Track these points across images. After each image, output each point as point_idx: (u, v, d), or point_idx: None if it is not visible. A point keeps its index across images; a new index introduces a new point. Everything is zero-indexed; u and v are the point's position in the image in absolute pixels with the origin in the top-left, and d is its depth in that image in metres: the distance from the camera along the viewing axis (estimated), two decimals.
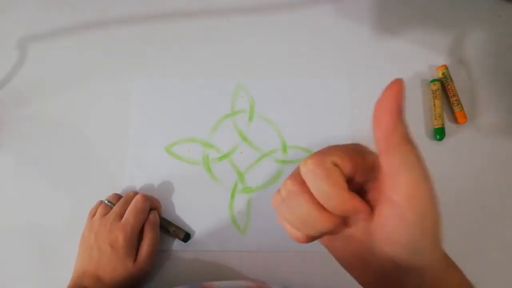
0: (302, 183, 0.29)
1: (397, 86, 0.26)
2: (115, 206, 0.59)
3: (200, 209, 0.63)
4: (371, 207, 0.29)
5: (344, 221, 0.30)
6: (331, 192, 0.27)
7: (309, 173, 0.28)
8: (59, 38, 0.71)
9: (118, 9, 0.72)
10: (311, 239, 0.31)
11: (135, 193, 0.61)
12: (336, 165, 0.28)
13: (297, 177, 0.29)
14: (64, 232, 0.62)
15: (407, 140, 0.26)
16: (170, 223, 0.61)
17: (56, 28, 0.71)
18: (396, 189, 0.27)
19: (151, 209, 0.60)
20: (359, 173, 0.29)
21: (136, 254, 0.57)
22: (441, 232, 0.30)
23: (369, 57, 0.70)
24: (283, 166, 0.65)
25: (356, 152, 0.30)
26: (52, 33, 0.71)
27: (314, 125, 0.66)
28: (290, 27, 0.71)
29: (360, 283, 0.33)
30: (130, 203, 0.59)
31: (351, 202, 0.28)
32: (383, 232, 0.28)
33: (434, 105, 0.66)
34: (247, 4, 0.72)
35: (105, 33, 0.71)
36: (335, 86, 0.68)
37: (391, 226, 0.27)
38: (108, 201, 0.60)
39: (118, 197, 0.61)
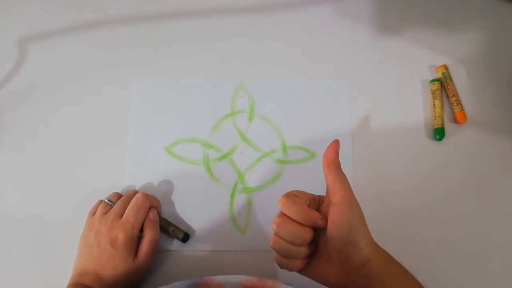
0: (283, 215, 0.46)
1: (336, 143, 0.49)
2: (115, 205, 0.59)
3: (200, 209, 0.63)
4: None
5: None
6: (299, 209, 0.46)
7: (283, 204, 0.46)
8: (59, 38, 0.71)
9: (118, 9, 0.72)
10: (303, 263, 0.49)
11: (135, 192, 0.61)
12: (296, 196, 0.48)
13: (278, 214, 0.47)
14: (65, 231, 0.62)
15: (340, 167, 0.48)
16: (169, 223, 0.61)
17: (56, 28, 0.71)
18: (334, 194, 0.46)
19: (150, 208, 0.60)
20: (311, 202, 0.49)
21: (136, 253, 0.57)
22: (363, 217, 0.47)
23: (369, 57, 0.70)
24: (283, 166, 0.65)
25: (306, 192, 0.50)
26: (52, 33, 0.71)
27: (314, 125, 0.66)
28: (290, 27, 0.71)
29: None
30: (130, 201, 0.59)
31: (313, 213, 0.46)
32: (332, 223, 0.46)
33: (434, 105, 0.66)
34: (247, 4, 0.72)
35: (105, 33, 0.71)
36: (335, 86, 0.68)
37: (335, 217, 0.45)
38: (109, 200, 0.60)
39: (118, 196, 0.61)
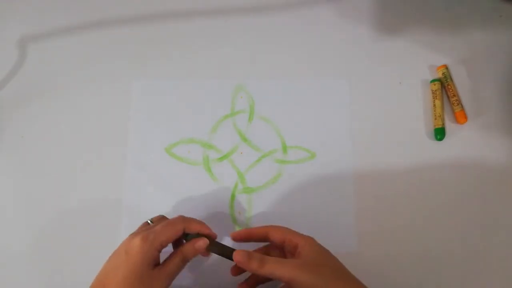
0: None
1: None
2: (153, 224, 0.54)
3: (200, 210, 0.63)
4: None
5: None
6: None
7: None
8: (59, 38, 0.71)
9: (118, 9, 0.72)
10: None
11: (184, 218, 0.54)
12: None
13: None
14: (65, 232, 0.62)
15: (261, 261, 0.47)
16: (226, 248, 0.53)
17: (56, 28, 0.71)
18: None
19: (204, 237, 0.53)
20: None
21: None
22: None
23: (369, 57, 0.70)
24: (283, 166, 0.65)
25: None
26: (52, 33, 0.71)
27: (314, 125, 0.66)
28: (290, 27, 0.71)
29: None
30: (169, 221, 0.52)
31: None
32: None
33: (434, 105, 0.66)
34: (247, 4, 0.72)
35: (105, 33, 0.71)
36: (335, 86, 0.68)
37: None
38: (150, 220, 0.55)
39: (163, 218, 0.56)
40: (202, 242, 0.52)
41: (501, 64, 0.69)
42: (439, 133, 0.65)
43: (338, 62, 0.69)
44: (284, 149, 0.65)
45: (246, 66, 0.69)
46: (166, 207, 0.63)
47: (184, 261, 0.52)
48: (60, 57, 0.70)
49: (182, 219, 0.53)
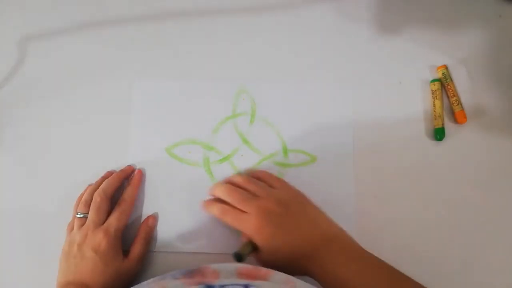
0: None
1: None
2: (89, 215, 0.58)
3: (199, 211, 0.63)
4: None
5: None
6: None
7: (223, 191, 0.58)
8: (59, 38, 0.71)
9: (118, 9, 0.72)
10: None
11: (94, 191, 0.60)
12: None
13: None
14: (65, 233, 0.62)
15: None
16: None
17: (56, 28, 0.71)
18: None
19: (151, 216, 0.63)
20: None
21: (128, 252, 0.58)
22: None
23: (369, 57, 0.69)
24: (284, 170, 0.65)
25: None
26: (52, 33, 0.71)
27: (315, 128, 0.66)
28: (292, 29, 0.71)
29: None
30: (98, 205, 0.58)
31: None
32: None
33: (434, 105, 0.66)
34: (250, 6, 0.72)
35: (105, 33, 0.71)
36: (335, 89, 0.68)
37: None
38: (80, 213, 0.59)
39: (86, 204, 0.60)
40: (152, 218, 0.62)
41: (501, 64, 0.69)
42: (439, 133, 0.65)
43: (338, 62, 0.69)
44: (285, 152, 0.65)
45: (248, 68, 0.69)
46: (165, 207, 0.64)
47: (147, 242, 0.60)
48: (60, 57, 0.70)
49: (124, 203, 0.60)
